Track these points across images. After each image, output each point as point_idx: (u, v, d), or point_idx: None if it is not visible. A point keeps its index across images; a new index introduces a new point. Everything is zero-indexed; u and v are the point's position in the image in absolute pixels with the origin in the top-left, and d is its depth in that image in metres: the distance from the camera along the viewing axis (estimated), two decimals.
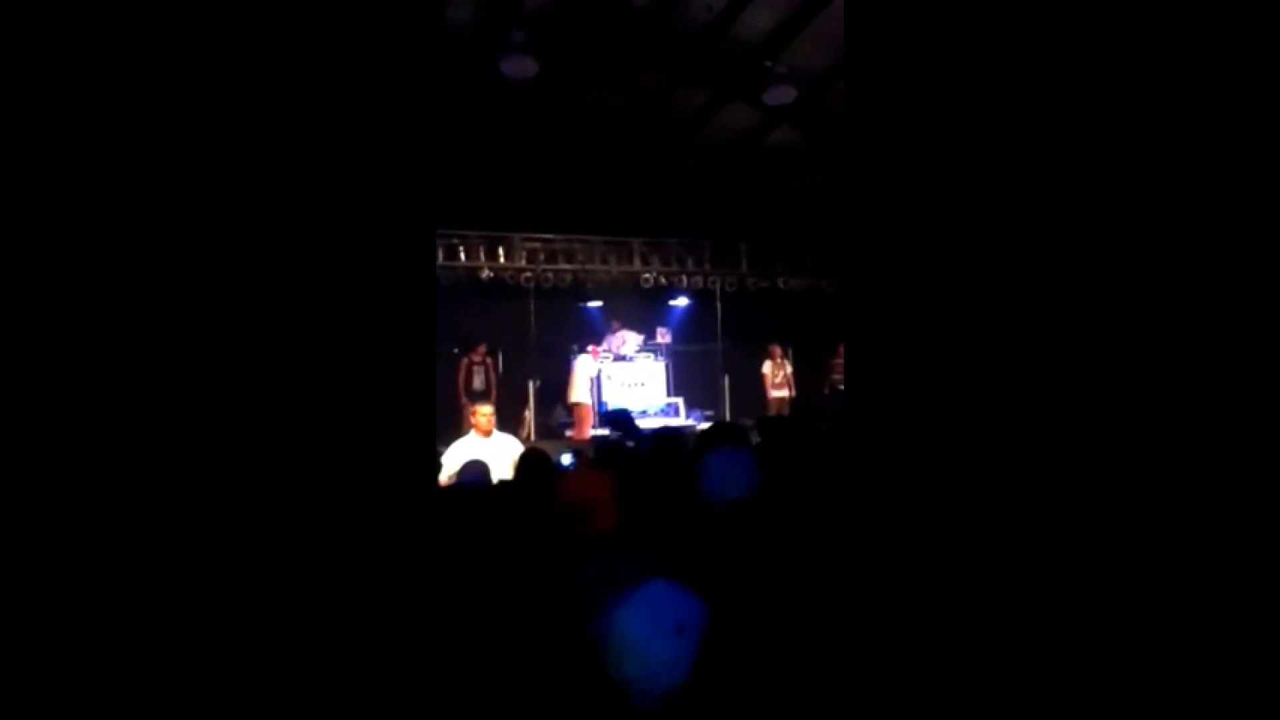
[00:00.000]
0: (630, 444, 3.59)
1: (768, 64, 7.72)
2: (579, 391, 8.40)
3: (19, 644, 0.99)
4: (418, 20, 1.22)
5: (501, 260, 8.54)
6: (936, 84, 1.30)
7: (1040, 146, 1.22)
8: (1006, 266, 1.23)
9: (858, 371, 1.41)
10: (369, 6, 1.19)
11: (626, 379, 9.33)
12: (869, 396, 1.37)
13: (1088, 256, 1.18)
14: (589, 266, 8.95)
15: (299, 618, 1.09)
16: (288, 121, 1.14)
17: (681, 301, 10.00)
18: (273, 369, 1.11)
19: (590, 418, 8.38)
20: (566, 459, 4.09)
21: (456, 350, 8.09)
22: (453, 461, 3.81)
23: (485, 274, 8.43)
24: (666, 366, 9.72)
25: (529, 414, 8.82)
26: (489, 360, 8.35)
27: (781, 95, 7.86)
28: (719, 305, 9.58)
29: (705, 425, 6.82)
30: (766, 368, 9.34)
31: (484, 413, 4.38)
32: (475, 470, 3.29)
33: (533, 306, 8.90)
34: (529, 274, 8.68)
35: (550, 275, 8.75)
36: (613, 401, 8.84)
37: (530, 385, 8.91)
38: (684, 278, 9.39)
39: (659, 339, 9.73)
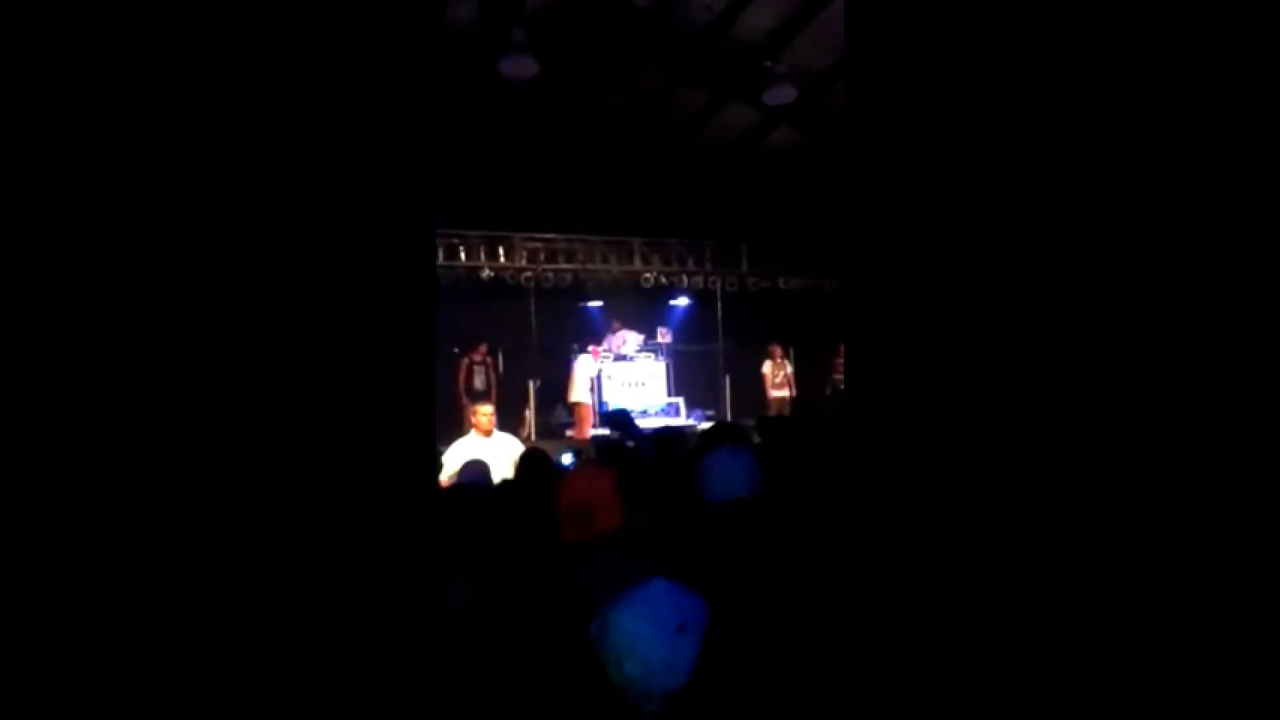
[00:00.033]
0: (630, 444, 3.59)
1: (768, 64, 7.73)
2: (579, 391, 8.40)
3: (18, 643, 0.99)
4: (418, 20, 1.22)
5: (502, 260, 8.55)
6: (936, 84, 1.30)
7: (1040, 146, 1.21)
8: (1007, 266, 1.23)
9: (858, 371, 1.41)
10: (369, 6, 1.19)
11: (627, 379, 9.34)
12: (869, 396, 1.37)
13: (1088, 256, 1.18)
14: (589, 266, 8.96)
15: (299, 617, 1.09)
16: (287, 122, 1.14)
17: (682, 301, 10.00)
18: (273, 369, 1.11)
19: (591, 417, 8.39)
20: (567, 459, 4.09)
21: (457, 350, 8.10)
22: (453, 461, 3.81)
23: (486, 274, 8.44)
24: (667, 366, 9.72)
25: (529, 414, 8.83)
26: (489, 360, 8.36)
27: (781, 95, 7.86)
28: (719, 305, 9.58)
29: (706, 425, 6.82)
30: (766, 368, 9.34)
31: (484, 412, 4.38)
32: (476, 470, 3.29)
33: (533, 306, 8.91)
34: (529, 274, 8.69)
35: (551, 275, 8.75)
36: (613, 401, 8.84)
37: (531, 385, 8.92)
38: (684, 277, 9.40)
39: (659, 339, 9.74)
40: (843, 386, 8.35)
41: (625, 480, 2.07)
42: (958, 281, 1.28)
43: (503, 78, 7.09)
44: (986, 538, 1.21)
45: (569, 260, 8.86)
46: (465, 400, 7.28)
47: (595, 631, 1.23)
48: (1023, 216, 1.23)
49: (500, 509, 2.43)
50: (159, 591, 1.04)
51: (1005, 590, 1.19)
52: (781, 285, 9.66)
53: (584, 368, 8.51)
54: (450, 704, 1.40)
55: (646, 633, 1.18)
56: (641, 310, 9.68)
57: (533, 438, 8.05)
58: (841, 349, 8.46)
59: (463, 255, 8.32)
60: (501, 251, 8.55)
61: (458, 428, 4.99)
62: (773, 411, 8.79)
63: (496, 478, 3.31)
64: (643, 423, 6.73)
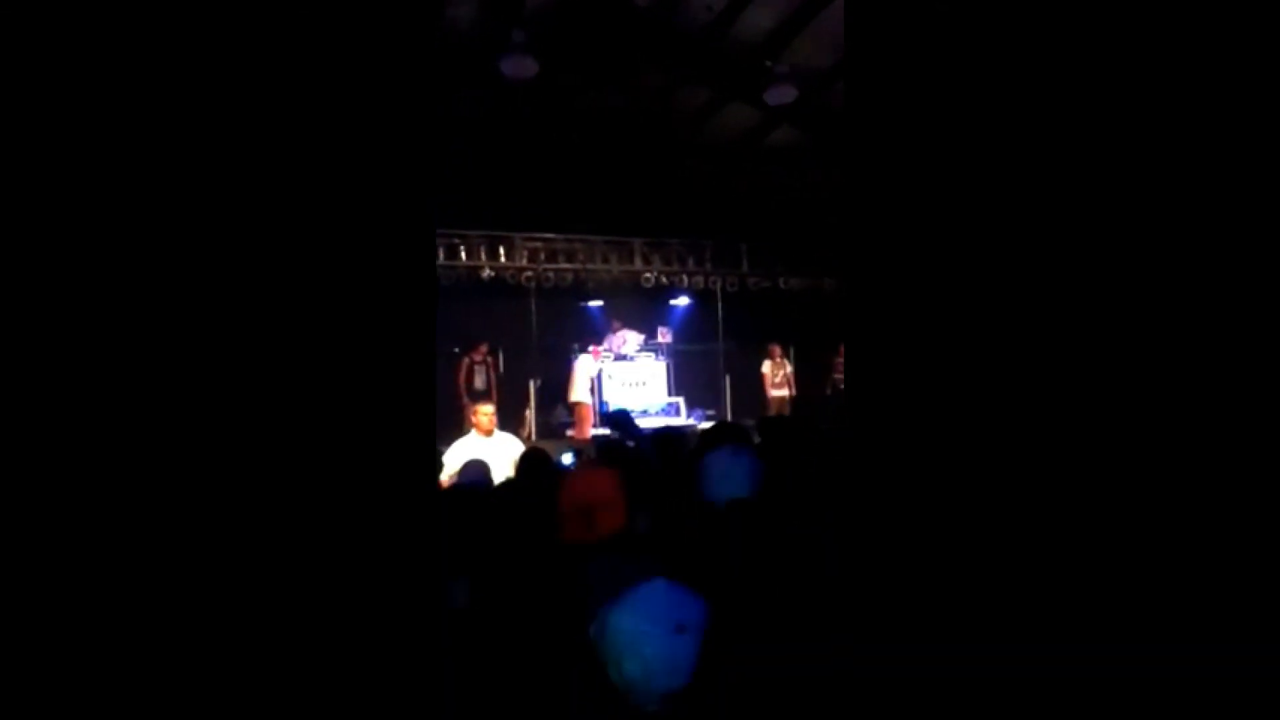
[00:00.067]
0: (631, 444, 3.59)
1: (768, 64, 7.72)
2: (580, 391, 8.40)
3: (18, 643, 0.99)
4: (418, 20, 1.22)
5: (502, 260, 8.55)
6: (936, 84, 1.30)
7: (1041, 146, 1.21)
8: (1007, 266, 1.23)
9: (858, 371, 1.41)
10: (369, 6, 1.19)
11: (627, 378, 9.34)
12: (869, 396, 1.37)
13: (1088, 256, 1.18)
14: (590, 266, 8.96)
15: (299, 617, 1.09)
16: (287, 122, 1.14)
17: (682, 301, 10.00)
18: (273, 369, 1.11)
19: (591, 417, 8.39)
20: (567, 458, 4.09)
21: (457, 350, 8.10)
22: (454, 461, 3.81)
23: (486, 273, 8.44)
24: (667, 366, 9.73)
25: (530, 413, 8.83)
26: (490, 360, 8.36)
27: (782, 95, 7.86)
28: (720, 305, 9.58)
29: (706, 425, 6.82)
30: (766, 367, 9.34)
31: (485, 412, 4.38)
32: (476, 470, 3.29)
33: (534, 306, 8.91)
34: (530, 273, 8.69)
35: (551, 275, 8.75)
36: (614, 401, 8.85)
37: (531, 385, 8.92)
38: (685, 277, 9.40)
39: (660, 338, 9.74)
40: (843, 386, 8.35)
41: (625, 480, 2.07)
42: (958, 281, 1.28)
43: (503, 78, 7.09)
44: (986, 538, 1.21)
45: (569, 260, 8.86)
46: (466, 400, 7.28)
47: (595, 632, 1.23)
48: (1023, 216, 1.23)
49: (501, 509, 2.43)
50: (159, 591, 1.04)
51: (1005, 591, 1.19)
52: (782, 285, 9.66)
53: (584, 367, 8.52)
54: (450, 704, 1.40)
55: (646, 633, 1.18)
56: (642, 310, 9.68)
57: (533, 437, 8.05)
58: (841, 349, 8.47)
59: (463, 255, 8.32)
60: (502, 251, 8.55)
61: (458, 427, 4.99)
62: (773, 411, 8.79)
63: (497, 477, 3.31)
64: (643, 422, 6.72)
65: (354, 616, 1.11)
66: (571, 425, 8.53)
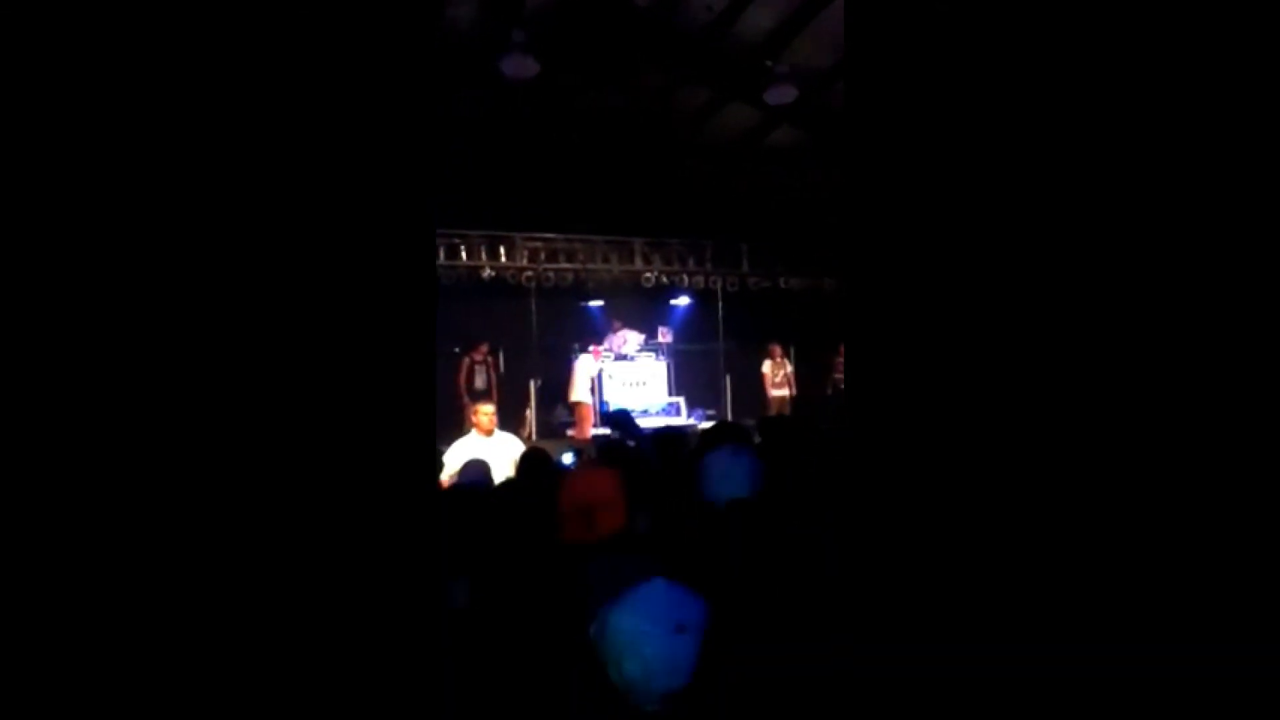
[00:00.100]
0: (631, 444, 3.59)
1: (768, 63, 7.72)
2: (580, 391, 8.40)
3: (19, 643, 0.99)
4: (418, 20, 1.22)
5: (503, 259, 8.55)
6: (936, 83, 1.30)
7: (1041, 146, 1.21)
8: (1007, 266, 1.23)
9: (858, 371, 1.41)
10: (369, 6, 1.19)
11: (628, 378, 9.35)
12: (869, 396, 1.37)
13: (1088, 256, 1.18)
14: (590, 266, 8.96)
15: (299, 617, 1.09)
16: (287, 121, 1.14)
17: (683, 301, 10.00)
18: (273, 369, 1.12)
19: (591, 417, 8.39)
20: (567, 458, 4.09)
21: (458, 349, 8.10)
22: (454, 461, 3.81)
23: (486, 273, 8.44)
24: (668, 366, 9.73)
25: (530, 413, 8.83)
26: (490, 359, 8.36)
27: (782, 95, 7.86)
28: (720, 305, 9.58)
29: (706, 425, 6.83)
30: (766, 367, 9.34)
31: (485, 412, 4.38)
32: (476, 469, 3.29)
33: (534, 306, 8.92)
34: (530, 273, 8.69)
35: (551, 275, 8.76)
36: (614, 401, 8.85)
37: (531, 384, 8.93)
38: (685, 277, 9.40)
39: (660, 338, 9.74)
40: (843, 386, 8.35)
41: (625, 480, 2.07)
42: (958, 281, 1.28)
43: (503, 78, 7.09)
44: (986, 538, 1.21)
45: (569, 260, 8.86)
46: (466, 400, 7.29)
47: (595, 631, 1.23)
48: (1023, 216, 1.23)
49: (501, 509, 2.43)
50: (159, 590, 1.04)
51: (1005, 590, 1.19)
52: (782, 285, 9.66)
53: (585, 367, 8.52)
54: (450, 704, 1.40)
55: (646, 633, 1.18)
56: (642, 310, 9.68)
57: (533, 437, 8.05)
58: (841, 349, 8.47)
59: (463, 255, 8.32)
60: (502, 251, 8.55)
61: (458, 427, 4.99)
62: (773, 411, 8.79)
63: (497, 477, 3.31)
64: (643, 422, 6.72)
65: (354, 616, 1.11)
66: (572, 425, 8.53)
